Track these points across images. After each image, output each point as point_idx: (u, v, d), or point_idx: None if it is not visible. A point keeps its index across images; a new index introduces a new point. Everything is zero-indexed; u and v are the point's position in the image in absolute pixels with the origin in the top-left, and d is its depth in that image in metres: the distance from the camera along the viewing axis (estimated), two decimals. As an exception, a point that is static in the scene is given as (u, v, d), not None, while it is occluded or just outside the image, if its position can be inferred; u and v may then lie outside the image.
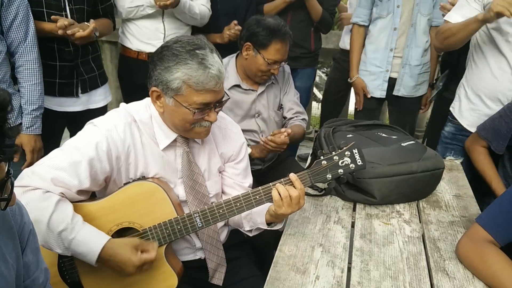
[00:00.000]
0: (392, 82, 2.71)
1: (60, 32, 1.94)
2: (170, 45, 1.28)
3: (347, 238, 1.51)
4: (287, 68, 2.34)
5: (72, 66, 2.11)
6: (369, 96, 2.78)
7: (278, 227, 1.47)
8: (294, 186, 1.33)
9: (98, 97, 2.29)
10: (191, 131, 1.35)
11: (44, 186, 1.22)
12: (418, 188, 1.73)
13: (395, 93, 2.72)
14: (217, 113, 1.36)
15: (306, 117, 2.36)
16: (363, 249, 1.45)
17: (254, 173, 1.71)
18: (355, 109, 2.94)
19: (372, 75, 2.73)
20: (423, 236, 1.54)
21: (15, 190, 1.21)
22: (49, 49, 2.03)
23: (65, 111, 2.17)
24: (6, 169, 0.73)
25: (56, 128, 2.21)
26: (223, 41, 2.64)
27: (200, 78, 1.24)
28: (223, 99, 1.36)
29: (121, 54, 2.64)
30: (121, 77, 2.71)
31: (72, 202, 1.28)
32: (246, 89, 2.17)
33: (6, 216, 0.90)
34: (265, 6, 2.83)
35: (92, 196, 1.42)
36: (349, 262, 1.39)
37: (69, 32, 1.94)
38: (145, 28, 2.45)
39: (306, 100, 3.21)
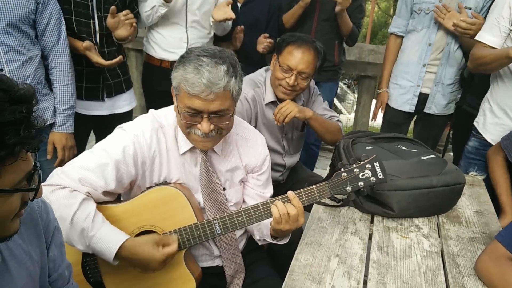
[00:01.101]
0: (422, 98, 2.67)
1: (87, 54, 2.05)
2: (191, 48, 1.35)
3: (364, 250, 1.51)
4: (312, 83, 2.28)
5: (98, 71, 2.19)
6: (382, 111, 2.77)
7: (283, 242, 1.48)
8: (292, 204, 1.33)
9: (123, 102, 2.37)
10: (190, 137, 1.37)
11: (72, 185, 1.27)
12: (437, 202, 1.72)
13: (426, 110, 2.68)
14: (217, 125, 1.32)
15: (340, 119, 2.32)
16: (380, 262, 1.45)
17: (275, 184, 1.71)
18: (382, 123, 2.92)
19: (402, 89, 2.70)
20: (441, 251, 1.53)
21: (45, 188, 1.28)
22: (76, 54, 2.11)
23: (92, 114, 2.25)
24: (33, 162, 0.76)
25: (82, 131, 2.29)
26: (235, 47, 2.69)
27: (190, 81, 1.25)
28: (221, 114, 1.31)
29: (145, 62, 2.71)
30: (144, 83, 2.79)
31: (97, 202, 1.33)
32: None
33: (33, 214, 0.95)
34: (283, 16, 2.86)
35: (117, 198, 1.47)
36: (365, 275, 1.39)
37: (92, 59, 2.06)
38: (169, 37, 2.52)
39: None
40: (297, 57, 1.91)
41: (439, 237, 1.61)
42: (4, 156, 0.68)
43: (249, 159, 1.55)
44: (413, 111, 2.72)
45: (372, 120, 2.90)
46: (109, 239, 1.26)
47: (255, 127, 2.02)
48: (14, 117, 0.68)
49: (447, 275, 1.39)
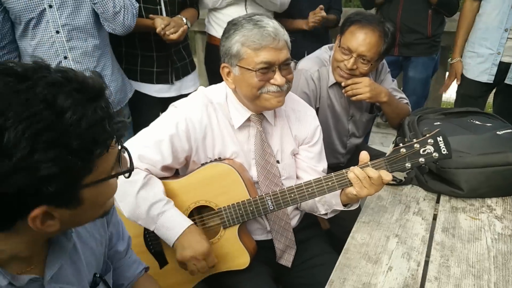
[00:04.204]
0: (503, 67, 2.39)
1: (157, 30, 2.09)
2: (232, 20, 1.37)
3: (426, 231, 1.42)
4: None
5: (166, 56, 2.28)
6: (458, 83, 2.53)
7: (354, 207, 1.43)
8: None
9: (189, 83, 2.46)
10: (261, 98, 1.36)
11: None
12: (515, 181, 1.56)
13: (507, 81, 2.39)
14: (286, 76, 1.34)
15: (408, 101, 2.15)
16: (445, 244, 1.35)
17: (335, 166, 1.63)
18: (456, 97, 2.67)
19: (480, 57, 2.44)
20: (516, 234, 1.39)
21: None
22: (147, 41, 2.22)
23: (162, 97, 2.36)
24: (118, 146, 0.79)
25: (154, 112, 2.42)
26: (309, 27, 2.59)
27: (256, 36, 1.28)
28: (288, 63, 1.35)
29: (207, 43, 2.75)
30: (207, 64, 2.84)
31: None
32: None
33: None
34: None
35: (176, 174, 1.53)
36: (427, 256, 1.31)
37: (165, 32, 2.09)
38: (229, 16, 2.50)
39: (421, 92, 2.89)
40: (359, 39, 1.76)
41: (515, 219, 1.47)
42: (100, 153, 0.71)
43: (299, 129, 1.53)
44: (491, 82, 2.45)
45: (442, 93, 2.64)
46: (176, 222, 1.33)
47: (317, 108, 1.96)
48: (98, 115, 0.69)
49: (521, 260, 1.27)
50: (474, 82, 2.50)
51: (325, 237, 1.68)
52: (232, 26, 1.35)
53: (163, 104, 2.41)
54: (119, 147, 0.80)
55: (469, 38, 2.51)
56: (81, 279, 0.92)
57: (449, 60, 2.62)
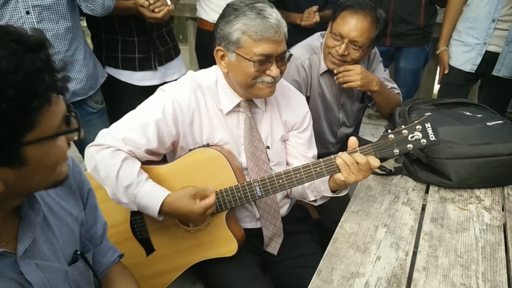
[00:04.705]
0: (489, 57, 2.41)
1: (141, 2, 1.97)
2: (231, 3, 1.34)
3: (415, 221, 1.41)
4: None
5: (149, 40, 2.20)
6: (446, 72, 2.53)
7: (343, 193, 1.42)
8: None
9: (173, 70, 2.36)
10: (254, 87, 1.35)
11: (115, 145, 1.32)
12: (503, 172, 1.56)
13: (494, 73, 2.40)
14: (280, 69, 1.34)
15: (399, 91, 2.13)
16: (433, 234, 1.35)
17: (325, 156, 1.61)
18: (440, 85, 2.68)
19: (466, 46, 2.45)
20: (504, 225, 1.39)
21: (92, 148, 1.33)
22: (127, 25, 2.11)
23: (145, 85, 2.29)
24: (65, 104, 0.77)
25: (137, 102, 2.35)
26: (303, 25, 2.54)
27: (258, 27, 1.26)
28: (286, 54, 1.34)
29: (198, 28, 2.69)
30: (197, 50, 2.79)
31: (142, 162, 1.36)
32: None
33: None
34: None
35: (164, 160, 1.50)
36: (415, 247, 1.31)
37: (149, 6, 1.98)
38: None
39: (412, 83, 2.88)
40: (351, 24, 1.74)
41: (503, 210, 1.47)
42: (39, 105, 0.69)
43: (289, 115, 1.51)
44: (473, 71, 2.46)
45: (439, 84, 2.65)
46: (152, 195, 1.30)
47: (308, 97, 1.94)
48: (35, 65, 0.68)
49: (508, 251, 1.27)
50: (457, 70, 2.51)
51: (316, 231, 1.67)
52: (234, 11, 1.31)
53: (146, 93, 2.34)
54: (68, 106, 0.77)
55: (456, 27, 2.51)
56: (58, 255, 0.90)
57: (436, 50, 2.61)
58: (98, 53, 2.15)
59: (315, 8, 2.52)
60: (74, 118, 0.79)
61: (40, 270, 0.85)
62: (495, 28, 2.34)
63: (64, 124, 0.76)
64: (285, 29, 1.32)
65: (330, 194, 1.42)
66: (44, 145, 0.72)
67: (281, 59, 1.34)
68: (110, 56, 2.18)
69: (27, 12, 1.72)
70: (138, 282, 1.15)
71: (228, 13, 1.32)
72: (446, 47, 2.55)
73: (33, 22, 1.74)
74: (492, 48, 2.39)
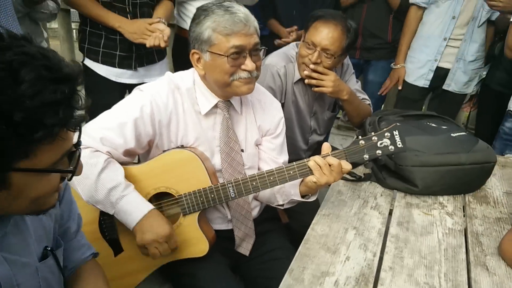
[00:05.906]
0: (442, 73, 2.56)
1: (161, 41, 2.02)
2: (201, 6, 1.37)
3: (383, 224, 1.46)
4: (346, 60, 2.14)
5: (130, 40, 2.19)
6: (400, 87, 2.67)
7: (312, 198, 1.45)
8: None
9: (153, 72, 2.34)
10: (232, 85, 1.36)
11: (93, 145, 1.30)
12: (465, 181, 1.64)
13: (445, 87, 2.57)
14: (255, 63, 1.35)
15: (370, 102, 2.20)
16: (399, 236, 1.40)
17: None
18: (397, 99, 2.82)
19: (419, 62, 2.59)
20: (465, 230, 1.46)
21: None
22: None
23: (122, 82, 2.26)
24: (75, 140, 0.75)
25: (113, 97, 2.30)
26: (283, 41, 2.61)
27: (227, 22, 1.28)
28: (258, 49, 1.36)
29: (177, 35, 2.69)
30: (175, 57, 2.78)
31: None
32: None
33: None
34: None
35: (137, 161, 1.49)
36: (383, 248, 1.35)
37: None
38: None
39: (379, 95, 2.95)
40: (322, 33, 1.80)
41: (464, 216, 1.54)
42: (42, 137, 0.66)
43: (264, 120, 1.54)
44: (427, 87, 2.60)
45: (380, 93, 2.77)
46: (137, 204, 1.29)
47: (283, 104, 1.97)
48: (55, 97, 0.65)
49: (468, 253, 1.33)
50: (412, 86, 2.65)
51: (284, 230, 1.69)
52: (203, 12, 1.34)
53: (122, 90, 2.31)
54: (76, 143, 0.74)
55: (412, 44, 2.64)
56: (29, 251, 0.88)
57: (392, 64, 2.74)
58: (81, 45, 2.14)
59: (294, 28, 2.61)
60: (77, 155, 0.76)
61: (7, 263, 0.83)
62: (446, 45, 2.48)
63: (66, 160, 0.74)
64: (255, 23, 1.34)
65: (299, 198, 1.44)
66: (33, 176, 0.70)
67: (255, 53, 1.36)
68: (92, 50, 2.16)
69: None
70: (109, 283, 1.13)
71: (198, 14, 1.35)
72: (404, 64, 2.68)
73: None
74: (443, 65, 2.54)
